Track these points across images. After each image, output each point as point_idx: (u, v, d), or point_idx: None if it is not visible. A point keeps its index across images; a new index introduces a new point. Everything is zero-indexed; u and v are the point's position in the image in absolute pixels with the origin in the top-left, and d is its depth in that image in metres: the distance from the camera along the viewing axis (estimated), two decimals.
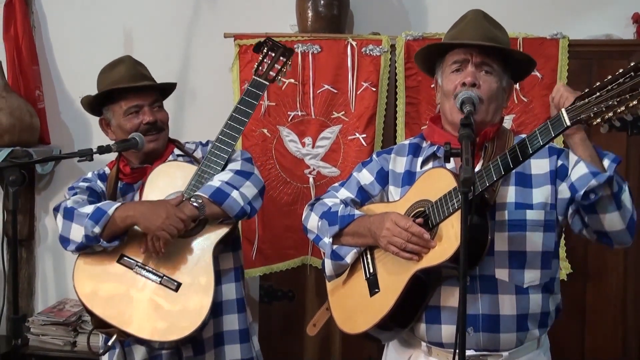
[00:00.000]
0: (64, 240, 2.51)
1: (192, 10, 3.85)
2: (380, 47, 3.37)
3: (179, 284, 2.47)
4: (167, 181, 2.61)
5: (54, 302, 3.89)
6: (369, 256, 2.32)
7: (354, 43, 3.38)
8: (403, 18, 3.72)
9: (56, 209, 2.58)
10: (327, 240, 2.34)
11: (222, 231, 2.54)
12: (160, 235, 2.41)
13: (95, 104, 2.75)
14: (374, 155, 2.45)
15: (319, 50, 3.41)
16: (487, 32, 2.23)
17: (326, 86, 3.38)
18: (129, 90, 2.66)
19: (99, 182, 2.72)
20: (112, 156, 2.71)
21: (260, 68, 2.77)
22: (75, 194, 2.64)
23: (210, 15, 3.84)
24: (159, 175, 2.63)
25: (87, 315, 2.55)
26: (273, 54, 2.80)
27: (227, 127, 2.65)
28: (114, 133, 2.72)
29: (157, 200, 2.52)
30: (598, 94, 1.80)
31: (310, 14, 3.50)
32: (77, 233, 2.47)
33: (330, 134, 3.44)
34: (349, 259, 2.31)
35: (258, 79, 2.74)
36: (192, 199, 2.47)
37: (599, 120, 1.79)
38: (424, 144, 2.37)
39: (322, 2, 3.48)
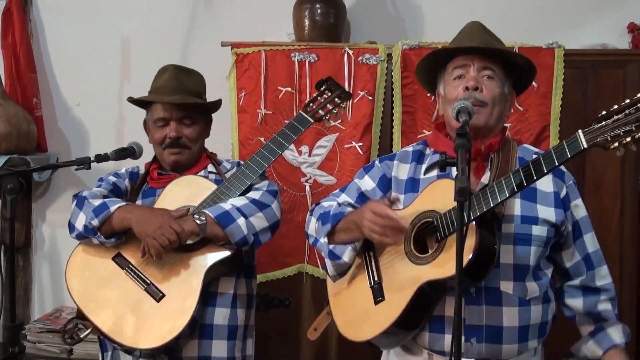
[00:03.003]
0: (70, 226, 2.56)
1: (189, 19, 3.87)
2: (377, 55, 3.39)
3: (163, 295, 2.45)
4: (184, 193, 2.59)
5: (51, 310, 3.88)
6: (373, 264, 2.31)
7: (350, 52, 3.40)
8: (399, 27, 3.74)
9: (75, 196, 2.62)
10: (322, 240, 2.33)
11: (221, 254, 2.48)
12: (150, 243, 2.40)
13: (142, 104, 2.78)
14: (377, 162, 2.44)
15: (316, 59, 3.42)
16: (486, 40, 2.26)
17: None
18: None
19: (127, 180, 2.74)
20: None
21: (311, 104, 2.71)
22: (100, 186, 2.68)
23: (207, 23, 3.85)
24: (178, 185, 2.62)
25: (83, 324, 2.55)
26: (329, 94, 2.73)
27: (259, 154, 2.60)
28: (151, 137, 2.74)
29: (159, 209, 2.51)
30: (615, 117, 1.79)
31: (307, 22, 3.51)
32: (81, 221, 2.50)
33: (326, 142, 3.45)
34: (346, 257, 2.29)
35: (304, 114, 2.67)
36: (195, 215, 2.44)
37: (616, 144, 1.78)
38: (427, 151, 2.36)
39: (318, 10, 3.49)
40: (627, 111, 1.78)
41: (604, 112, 1.82)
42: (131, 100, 2.78)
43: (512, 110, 2.33)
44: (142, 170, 2.79)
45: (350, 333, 2.33)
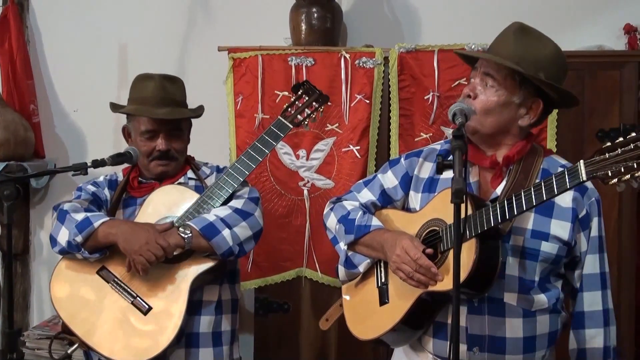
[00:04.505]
0: (52, 240, 2.54)
1: (186, 24, 3.87)
2: (374, 59, 3.38)
3: (150, 308, 2.45)
4: (166, 204, 2.58)
5: (49, 316, 3.87)
6: (382, 264, 2.33)
7: (347, 56, 3.39)
8: (396, 30, 3.74)
9: (55, 208, 2.60)
10: (342, 246, 2.36)
11: (206, 265, 2.48)
12: (137, 259, 2.39)
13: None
14: (402, 158, 2.42)
15: (313, 63, 3.42)
16: (515, 45, 2.17)
17: None
18: None
19: (106, 189, 2.72)
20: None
21: (289, 109, 2.70)
22: (80, 196, 2.66)
23: (204, 28, 3.86)
24: (159, 195, 2.61)
25: (70, 339, 2.55)
26: (307, 98, 2.72)
27: (239, 162, 2.60)
28: (132, 144, 2.71)
29: (143, 223, 2.49)
30: (619, 150, 1.74)
31: (303, 27, 3.51)
32: (63, 236, 2.49)
33: (324, 146, 3.44)
34: (361, 268, 2.34)
35: (283, 120, 2.67)
36: (180, 229, 2.44)
37: (615, 180, 1.75)
38: None
39: (315, 15, 3.49)
40: (631, 145, 1.73)
41: (608, 144, 1.78)
42: (116, 109, 2.76)
43: (533, 119, 2.24)
44: (120, 177, 2.77)
45: (356, 330, 2.38)
